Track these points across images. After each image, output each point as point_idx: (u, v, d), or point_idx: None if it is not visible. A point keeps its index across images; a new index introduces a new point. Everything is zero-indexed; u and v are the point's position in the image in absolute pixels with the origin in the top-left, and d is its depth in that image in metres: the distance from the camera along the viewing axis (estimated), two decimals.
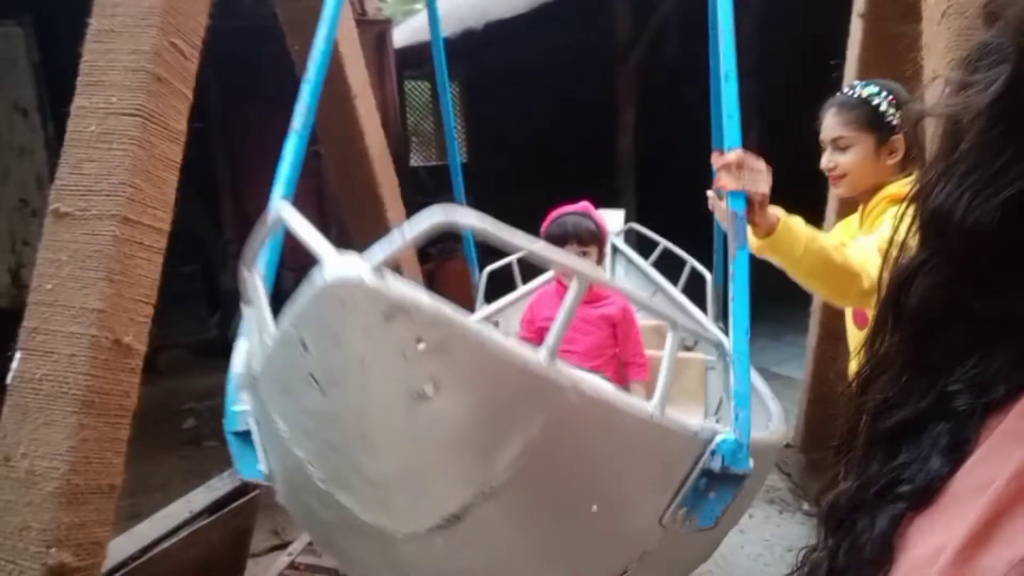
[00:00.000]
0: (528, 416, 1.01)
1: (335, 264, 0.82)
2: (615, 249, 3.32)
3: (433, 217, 0.86)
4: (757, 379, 2.11)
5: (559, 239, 2.25)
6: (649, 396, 1.44)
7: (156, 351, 4.96)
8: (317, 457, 1.09)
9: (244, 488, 2.18)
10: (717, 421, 2.19)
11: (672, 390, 1.37)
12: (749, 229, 1.44)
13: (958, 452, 0.50)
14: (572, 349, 2.20)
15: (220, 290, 5.47)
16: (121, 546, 1.81)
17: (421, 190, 7.34)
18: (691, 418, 1.33)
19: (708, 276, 2.79)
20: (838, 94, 1.79)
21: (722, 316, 2.80)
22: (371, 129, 2.68)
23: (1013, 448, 0.47)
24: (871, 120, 1.68)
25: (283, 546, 2.78)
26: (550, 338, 1.05)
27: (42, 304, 1.55)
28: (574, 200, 2.43)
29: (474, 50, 6.78)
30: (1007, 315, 0.49)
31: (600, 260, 2.33)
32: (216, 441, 4.22)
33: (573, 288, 1.08)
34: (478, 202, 7.61)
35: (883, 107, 1.67)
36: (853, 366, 1.88)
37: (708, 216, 1.89)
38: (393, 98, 6.75)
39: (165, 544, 1.88)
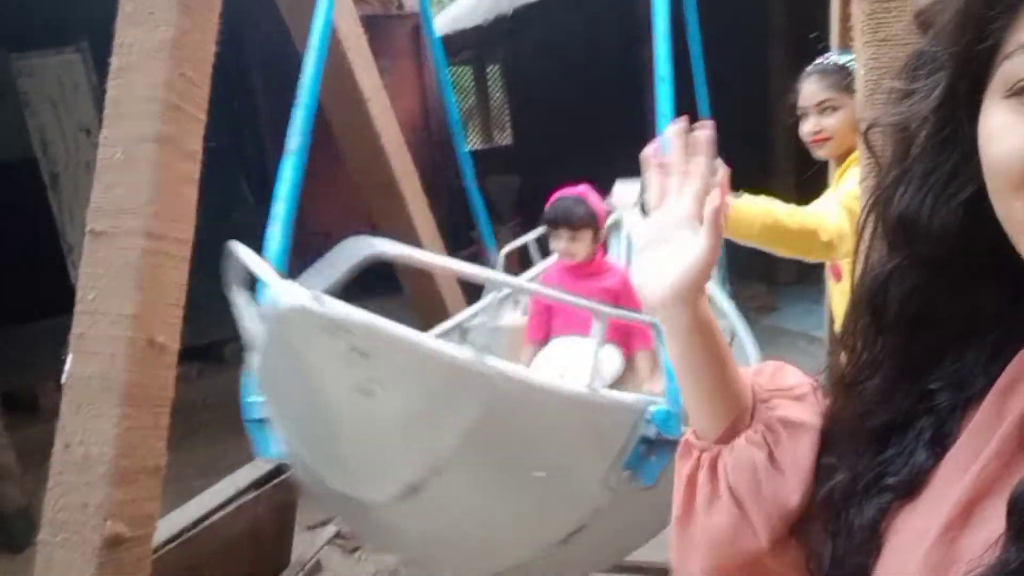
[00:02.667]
0: (462, 404, 1.21)
1: (283, 293, 1.06)
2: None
3: (364, 250, 1.08)
4: (747, 339, 2.27)
5: (551, 223, 2.42)
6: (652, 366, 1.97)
7: (223, 343, 5.32)
8: (302, 442, 1.39)
9: (286, 465, 2.41)
10: None
11: None
12: None
13: (941, 445, 0.52)
14: (578, 326, 2.32)
15: None
16: (174, 521, 2.05)
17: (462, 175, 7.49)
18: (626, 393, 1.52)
19: None
20: (814, 64, 1.91)
21: (728, 279, 3.01)
22: (386, 128, 2.85)
23: (991, 431, 0.48)
24: (852, 83, 1.70)
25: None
26: (477, 337, 1.28)
27: (85, 312, 1.79)
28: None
29: (508, 35, 6.88)
30: (977, 313, 0.51)
31: (596, 240, 2.47)
32: None
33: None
34: (524, 183, 7.66)
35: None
36: (836, 325, 1.97)
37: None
38: (434, 87, 6.92)
39: (213, 518, 2.12)
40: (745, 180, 1.97)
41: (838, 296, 1.95)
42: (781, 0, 5.10)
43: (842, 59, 1.84)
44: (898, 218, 0.51)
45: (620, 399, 1.49)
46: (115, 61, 1.88)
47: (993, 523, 0.43)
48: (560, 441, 1.40)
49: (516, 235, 3.38)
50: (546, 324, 2.49)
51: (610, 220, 3.15)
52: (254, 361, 1.33)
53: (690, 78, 2.80)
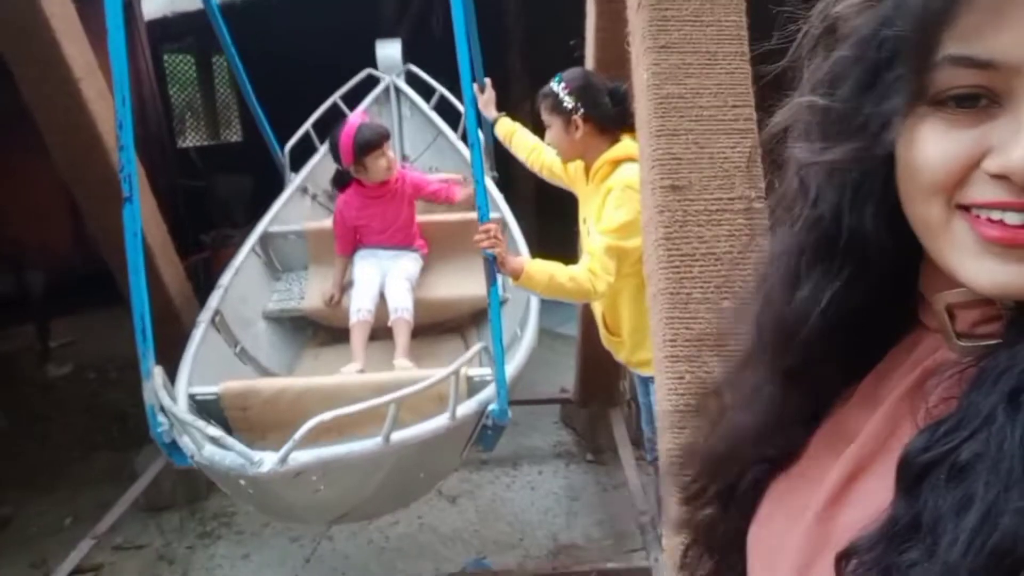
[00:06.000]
0: (378, 471, 1.82)
1: (257, 461, 1.66)
2: (397, 90, 3.48)
3: None
4: (508, 214, 2.89)
5: (376, 143, 2.67)
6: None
7: None
8: (248, 500, 2.02)
9: None
10: None
11: (464, 252, 2.49)
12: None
13: (815, 419, 0.55)
14: (386, 239, 2.83)
15: None
16: None
17: (191, 173, 6.80)
18: (470, 402, 2.00)
19: (481, 135, 3.06)
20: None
21: (494, 166, 3.27)
22: (105, 114, 2.42)
23: (868, 411, 0.51)
24: (555, 106, 2.11)
25: None
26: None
27: None
28: None
29: (237, 22, 6.36)
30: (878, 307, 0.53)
31: None
32: None
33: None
34: (257, 181, 7.13)
35: (560, 95, 2.09)
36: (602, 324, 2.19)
37: None
38: (148, 74, 6.18)
39: None
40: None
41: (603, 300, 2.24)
42: (518, 7, 5.28)
43: (553, 83, 2.14)
44: (852, 234, 0.50)
45: (471, 413, 1.97)
46: None
47: (871, 500, 0.45)
48: (436, 453, 1.99)
49: None
50: (353, 238, 2.86)
51: (380, 87, 3.54)
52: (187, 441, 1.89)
53: None
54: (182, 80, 8.17)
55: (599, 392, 3.41)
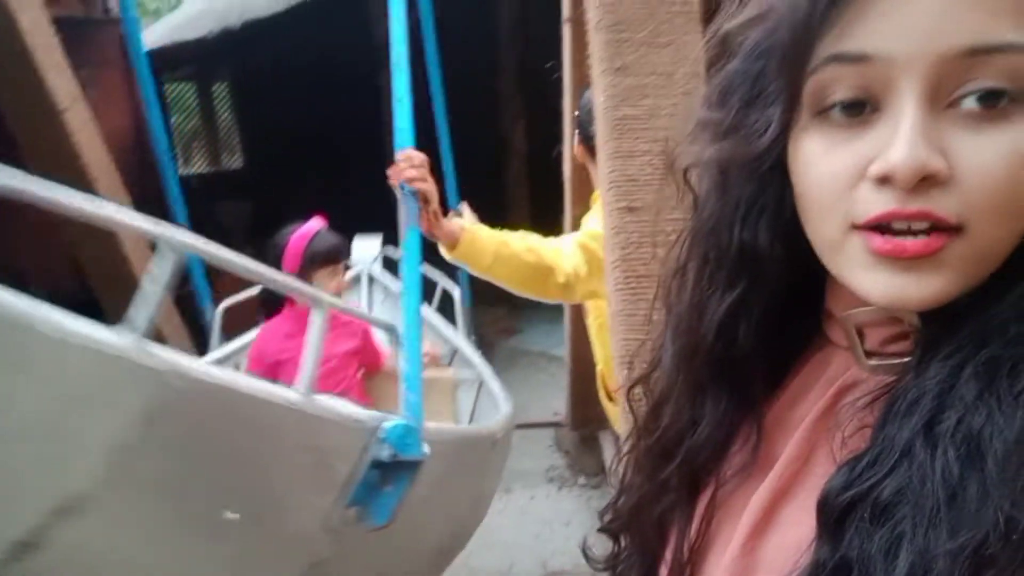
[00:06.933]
0: (112, 410, 0.80)
1: None
2: (371, 279, 3.19)
3: None
4: (487, 373, 2.27)
5: (332, 257, 2.15)
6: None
7: None
8: None
9: None
10: None
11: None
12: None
13: (724, 447, 0.53)
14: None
15: None
16: None
17: (192, 200, 6.85)
18: (354, 408, 1.19)
19: (456, 293, 2.96)
20: None
21: (473, 331, 3.00)
22: (89, 145, 2.45)
23: (783, 437, 0.50)
24: (578, 117, 1.78)
25: None
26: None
27: None
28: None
29: (237, 49, 6.45)
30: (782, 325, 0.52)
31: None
32: None
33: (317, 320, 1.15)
34: (257, 208, 7.14)
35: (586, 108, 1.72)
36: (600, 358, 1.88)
37: None
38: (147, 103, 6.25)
39: None
40: (479, 209, 1.91)
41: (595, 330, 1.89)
42: (511, 35, 5.33)
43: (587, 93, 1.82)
44: (742, 247, 0.50)
45: (345, 411, 1.12)
46: None
47: (793, 527, 0.44)
48: (262, 468, 0.98)
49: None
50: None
51: (350, 274, 3.02)
52: None
53: (427, 102, 2.83)
54: (184, 108, 8.28)
55: (590, 415, 3.38)
